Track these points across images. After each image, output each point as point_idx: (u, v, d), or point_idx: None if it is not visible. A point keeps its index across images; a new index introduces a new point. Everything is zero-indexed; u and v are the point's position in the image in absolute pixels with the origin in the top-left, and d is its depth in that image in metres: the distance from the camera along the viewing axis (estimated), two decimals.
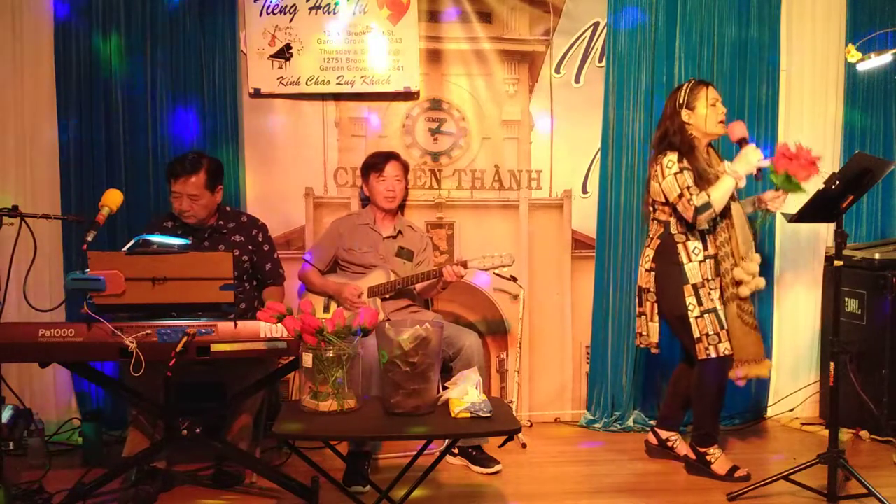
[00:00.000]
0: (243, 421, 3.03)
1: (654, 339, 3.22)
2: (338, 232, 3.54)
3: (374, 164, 3.54)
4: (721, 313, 3.08)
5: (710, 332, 3.06)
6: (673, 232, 3.16)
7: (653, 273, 3.19)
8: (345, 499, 2.57)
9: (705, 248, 3.12)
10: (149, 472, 2.87)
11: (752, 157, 3.08)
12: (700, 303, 3.08)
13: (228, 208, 3.37)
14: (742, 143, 3.14)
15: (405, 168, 3.62)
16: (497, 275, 3.41)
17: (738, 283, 3.13)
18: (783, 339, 4.06)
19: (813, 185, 3.16)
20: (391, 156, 3.57)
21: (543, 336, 3.95)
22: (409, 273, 3.44)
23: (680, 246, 3.13)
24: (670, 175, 3.07)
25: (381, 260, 3.48)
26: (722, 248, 3.13)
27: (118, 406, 3.40)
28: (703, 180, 3.07)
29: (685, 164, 3.07)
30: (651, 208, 3.23)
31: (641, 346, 3.31)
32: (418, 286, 3.43)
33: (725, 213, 3.14)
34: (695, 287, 3.09)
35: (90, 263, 2.51)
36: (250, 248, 3.30)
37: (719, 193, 3.05)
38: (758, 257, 3.20)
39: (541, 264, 3.93)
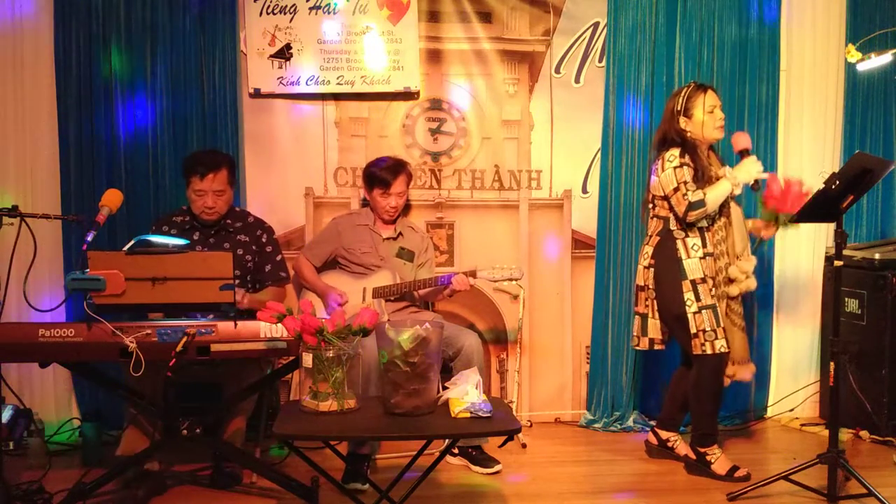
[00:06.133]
0: (237, 424, 3.03)
1: (658, 335, 3.23)
2: (336, 230, 3.53)
3: (382, 179, 3.40)
4: (718, 311, 3.09)
5: (707, 329, 3.06)
6: (672, 228, 3.16)
7: (651, 269, 3.19)
8: (345, 499, 2.56)
9: (704, 246, 3.13)
10: (139, 475, 2.86)
11: (752, 168, 3.11)
12: (698, 298, 3.08)
13: (238, 208, 3.39)
14: (744, 154, 3.16)
15: (410, 179, 3.54)
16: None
17: (730, 282, 3.15)
18: (783, 339, 4.06)
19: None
20: (399, 170, 3.43)
21: (543, 336, 3.95)
22: (409, 273, 3.44)
23: (679, 242, 3.14)
24: (670, 168, 3.08)
25: (382, 261, 3.47)
26: (718, 247, 3.15)
27: (118, 406, 3.40)
28: (703, 178, 3.09)
29: (686, 160, 3.08)
30: (651, 205, 3.24)
31: (638, 347, 3.30)
32: (423, 291, 3.42)
33: (723, 211, 3.16)
34: (693, 283, 3.09)
35: (90, 263, 2.51)
36: (254, 248, 3.30)
37: (714, 195, 3.07)
38: (754, 259, 3.22)
39: (541, 264, 3.93)
